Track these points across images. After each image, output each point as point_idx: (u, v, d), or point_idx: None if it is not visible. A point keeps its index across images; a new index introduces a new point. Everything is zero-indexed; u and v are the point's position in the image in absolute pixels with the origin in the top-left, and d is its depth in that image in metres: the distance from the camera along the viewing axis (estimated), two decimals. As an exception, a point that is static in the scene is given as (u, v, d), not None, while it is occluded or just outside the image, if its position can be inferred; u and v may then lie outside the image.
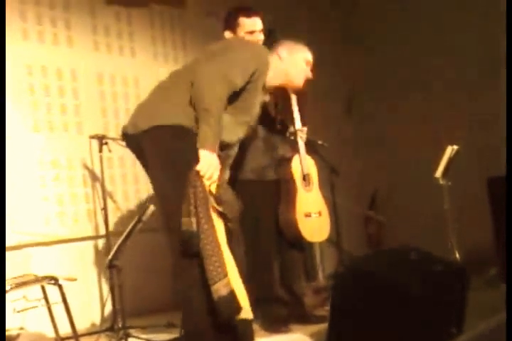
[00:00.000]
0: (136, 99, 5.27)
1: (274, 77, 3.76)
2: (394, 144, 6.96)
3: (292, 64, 3.89)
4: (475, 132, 6.39)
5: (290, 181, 4.25)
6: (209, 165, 3.22)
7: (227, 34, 4.35)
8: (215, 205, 3.22)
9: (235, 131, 3.53)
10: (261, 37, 4.35)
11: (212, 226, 3.16)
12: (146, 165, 3.49)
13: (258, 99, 3.64)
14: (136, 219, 3.95)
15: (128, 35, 5.33)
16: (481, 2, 6.43)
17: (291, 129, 4.36)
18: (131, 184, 5.24)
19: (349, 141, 7.04)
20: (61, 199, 4.81)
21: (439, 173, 5.11)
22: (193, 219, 3.13)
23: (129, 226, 3.96)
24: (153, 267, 4.97)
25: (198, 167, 3.20)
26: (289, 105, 4.29)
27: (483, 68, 6.39)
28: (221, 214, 3.25)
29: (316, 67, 3.96)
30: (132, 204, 5.18)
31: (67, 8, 4.97)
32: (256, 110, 3.66)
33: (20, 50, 4.66)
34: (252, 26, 4.31)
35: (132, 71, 5.28)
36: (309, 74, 3.94)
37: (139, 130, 3.40)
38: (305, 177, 4.27)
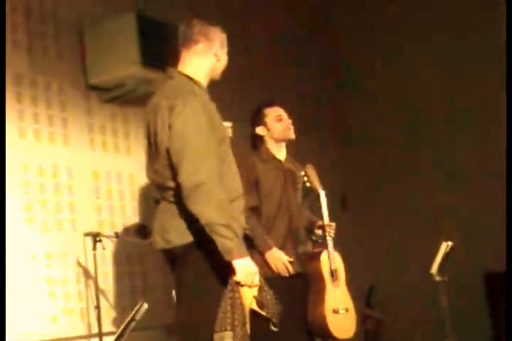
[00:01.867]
0: (132, 196, 5.30)
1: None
2: (390, 239, 6.96)
3: None
4: (471, 225, 6.41)
5: (319, 277, 4.25)
6: (247, 274, 3.03)
7: (260, 130, 4.42)
8: (258, 309, 3.09)
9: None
10: (290, 121, 4.44)
11: None
12: None
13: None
14: (129, 317, 3.90)
15: (123, 134, 5.39)
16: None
17: (319, 224, 4.36)
18: (126, 281, 5.18)
19: (345, 237, 7.01)
20: (53, 297, 4.73)
21: (434, 269, 5.10)
22: (229, 333, 2.98)
23: (122, 325, 3.91)
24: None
25: (237, 278, 3.02)
26: (318, 200, 4.31)
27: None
28: (266, 319, 3.11)
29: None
30: (126, 302, 5.10)
31: (63, 108, 5.04)
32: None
33: (16, 148, 4.70)
34: (277, 112, 4.44)
35: (127, 168, 5.32)
36: None
37: None
38: (333, 273, 4.27)
